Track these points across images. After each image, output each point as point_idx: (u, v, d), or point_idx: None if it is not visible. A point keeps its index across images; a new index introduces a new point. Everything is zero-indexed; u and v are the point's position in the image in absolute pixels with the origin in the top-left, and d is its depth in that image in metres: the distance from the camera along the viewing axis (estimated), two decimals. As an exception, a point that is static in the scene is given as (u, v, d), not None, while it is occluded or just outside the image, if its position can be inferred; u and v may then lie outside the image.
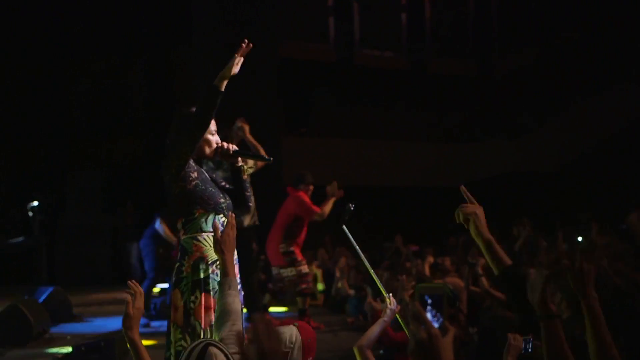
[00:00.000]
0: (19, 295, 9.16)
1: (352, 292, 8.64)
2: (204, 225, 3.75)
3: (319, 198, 8.04)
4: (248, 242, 7.45)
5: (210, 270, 3.69)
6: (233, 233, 3.21)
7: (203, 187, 3.79)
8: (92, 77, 17.56)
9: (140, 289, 2.96)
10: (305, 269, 8.00)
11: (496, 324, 5.25)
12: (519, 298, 2.38)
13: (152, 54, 17.07)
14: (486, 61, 17.93)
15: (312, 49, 16.09)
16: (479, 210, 2.56)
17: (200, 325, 3.62)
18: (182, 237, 3.78)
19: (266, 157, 4.31)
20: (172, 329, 3.67)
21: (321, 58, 16.07)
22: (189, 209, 3.75)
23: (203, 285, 3.67)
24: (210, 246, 3.71)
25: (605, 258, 5.57)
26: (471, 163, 16.87)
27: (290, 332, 2.84)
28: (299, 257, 7.98)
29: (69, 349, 6.49)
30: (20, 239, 11.78)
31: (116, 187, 15.74)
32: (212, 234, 3.72)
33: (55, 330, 7.97)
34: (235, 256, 3.75)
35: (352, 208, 4.20)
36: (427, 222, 14.96)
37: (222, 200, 3.86)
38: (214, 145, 3.92)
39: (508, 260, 2.46)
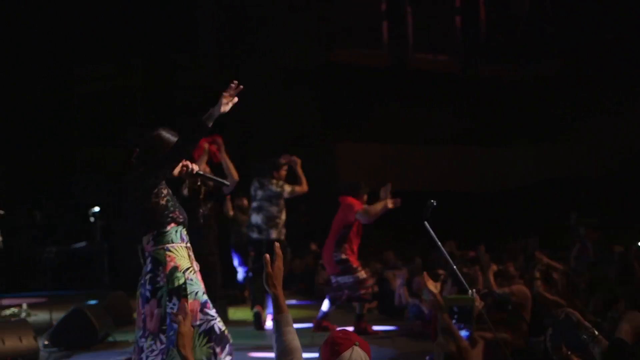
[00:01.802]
0: (82, 299, 9.38)
1: (411, 300, 8.59)
2: (174, 237, 4.03)
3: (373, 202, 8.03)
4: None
5: (185, 277, 3.97)
6: (282, 265, 3.16)
7: (173, 202, 4.10)
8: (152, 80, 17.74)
9: (188, 310, 3.03)
10: (363, 274, 7.97)
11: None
12: None
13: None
14: (538, 64, 17.63)
15: (366, 54, 16.10)
16: None
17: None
18: (152, 249, 4.02)
19: (225, 182, 4.64)
20: (146, 338, 3.95)
21: (375, 63, 16.06)
22: (161, 222, 4.01)
23: (181, 292, 3.93)
24: (182, 256, 4.02)
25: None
26: (523, 166, 16.66)
27: (359, 356, 2.79)
28: (355, 263, 7.97)
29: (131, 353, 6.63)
30: (83, 244, 12.03)
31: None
32: (181, 244, 4.04)
33: (117, 334, 8.12)
34: (198, 267, 4.10)
35: (433, 204, 4.13)
36: (482, 227, 14.82)
37: (185, 214, 4.16)
38: (180, 165, 4.17)
39: None
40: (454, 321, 3.13)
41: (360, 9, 16.24)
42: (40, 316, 9.43)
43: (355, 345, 2.77)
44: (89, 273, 12.05)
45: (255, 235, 8.58)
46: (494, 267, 6.45)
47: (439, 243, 4.01)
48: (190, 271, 4.02)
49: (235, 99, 3.94)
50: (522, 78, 17.50)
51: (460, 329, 3.21)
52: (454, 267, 3.99)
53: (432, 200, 4.11)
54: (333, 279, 8.17)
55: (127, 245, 14.87)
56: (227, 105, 3.91)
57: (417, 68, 16.52)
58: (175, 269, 3.96)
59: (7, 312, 9.49)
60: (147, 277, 3.98)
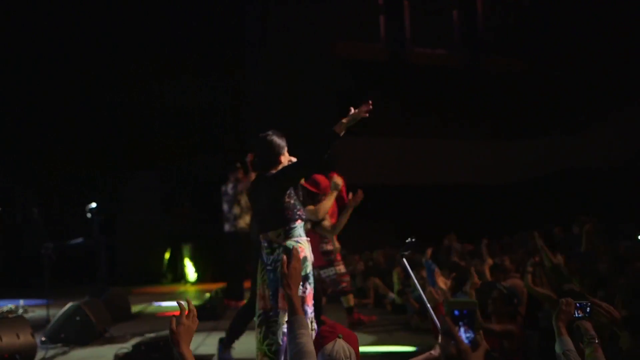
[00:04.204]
0: (80, 295, 9.37)
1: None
2: (300, 232, 4.63)
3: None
4: None
5: (310, 267, 4.62)
6: (299, 266, 3.16)
7: (298, 202, 4.66)
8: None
9: (190, 306, 2.87)
10: (342, 268, 7.79)
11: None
12: None
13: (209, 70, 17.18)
14: (538, 57, 17.57)
15: (364, 48, 16.06)
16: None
17: (311, 308, 4.54)
18: (287, 242, 4.55)
19: None
20: (280, 315, 4.46)
21: (373, 57, 16.03)
22: (292, 219, 4.57)
23: (308, 279, 4.57)
24: (307, 248, 4.63)
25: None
26: (527, 160, 16.65)
27: (341, 347, 2.79)
28: (338, 256, 7.87)
29: (129, 348, 6.64)
30: (80, 240, 12.00)
31: (173, 187, 15.98)
32: (306, 238, 4.66)
33: (115, 329, 8.12)
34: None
35: (413, 241, 4.30)
36: (480, 220, 14.81)
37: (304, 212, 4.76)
38: None
39: None
40: (460, 324, 3.16)
41: (358, 2, 16.20)
42: (38, 312, 9.43)
43: (339, 337, 2.79)
44: (87, 269, 12.04)
45: None
46: (490, 261, 6.45)
47: (414, 278, 4.28)
48: (311, 263, 4.65)
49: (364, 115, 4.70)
50: (522, 70, 17.46)
51: (465, 332, 3.22)
52: (428, 305, 4.11)
53: (411, 239, 4.29)
54: (314, 272, 8.01)
55: (126, 239, 14.97)
56: (352, 119, 4.63)
57: (416, 62, 16.48)
58: (305, 258, 4.58)
59: (5, 308, 9.50)
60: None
